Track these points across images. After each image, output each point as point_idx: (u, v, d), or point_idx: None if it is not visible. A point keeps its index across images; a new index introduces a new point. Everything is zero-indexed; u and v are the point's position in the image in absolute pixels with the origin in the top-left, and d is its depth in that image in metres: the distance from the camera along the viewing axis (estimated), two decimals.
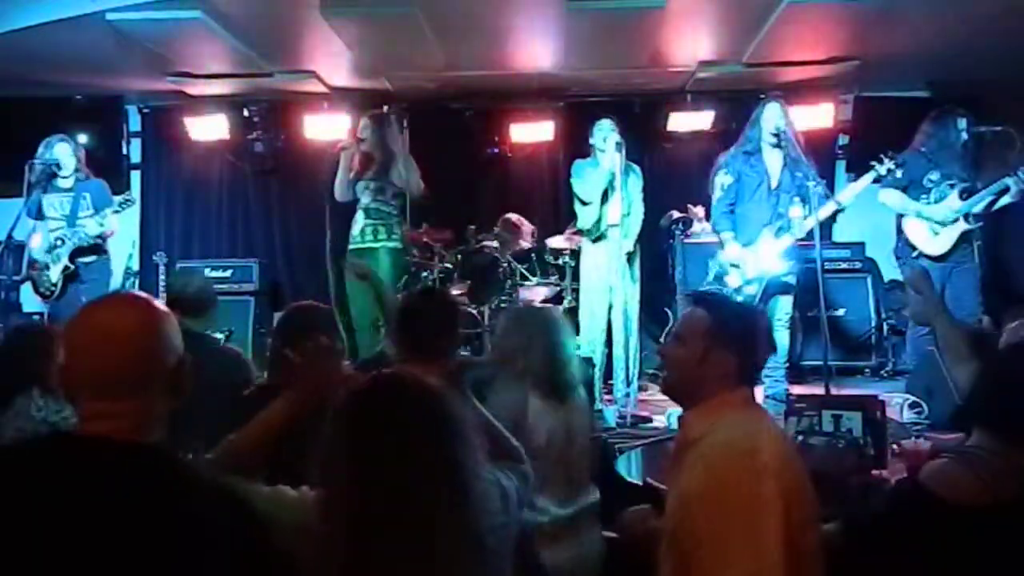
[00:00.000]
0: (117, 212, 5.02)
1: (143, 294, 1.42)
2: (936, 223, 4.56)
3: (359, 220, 4.88)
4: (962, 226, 4.51)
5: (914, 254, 4.64)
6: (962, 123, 4.59)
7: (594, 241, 4.79)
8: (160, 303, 1.37)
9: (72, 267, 4.88)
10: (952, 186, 4.54)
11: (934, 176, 4.58)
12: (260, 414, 1.72)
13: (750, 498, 1.62)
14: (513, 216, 6.25)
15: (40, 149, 4.94)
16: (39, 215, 4.97)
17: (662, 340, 4.65)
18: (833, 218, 4.76)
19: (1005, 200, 4.46)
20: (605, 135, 4.66)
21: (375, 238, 4.85)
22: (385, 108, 6.42)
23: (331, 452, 1.31)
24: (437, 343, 2.24)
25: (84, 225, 4.91)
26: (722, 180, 4.65)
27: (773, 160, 4.58)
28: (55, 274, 4.88)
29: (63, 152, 4.95)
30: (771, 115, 4.55)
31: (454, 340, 2.40)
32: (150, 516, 1.16)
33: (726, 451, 1.71)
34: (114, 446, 1.23)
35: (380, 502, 1.25)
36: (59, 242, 4.89)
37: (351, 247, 4.88)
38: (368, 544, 1.24)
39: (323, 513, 1.30)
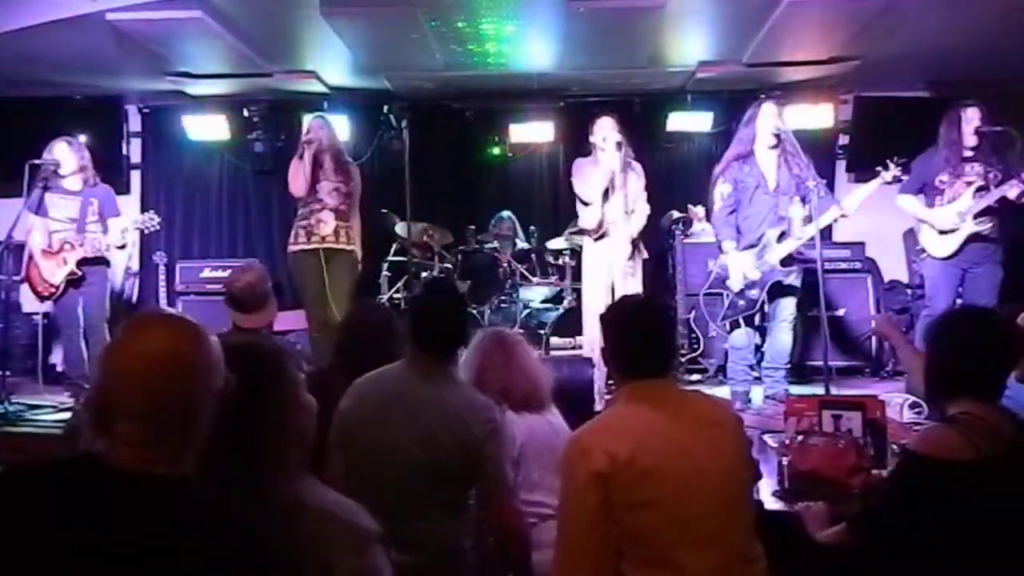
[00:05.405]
0: (141, 231, 5.08)
1: (183, 316, 1.35)
2: (941, 232, 4.52)
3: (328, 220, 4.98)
4: (970, 227, 4.45)
5: (923, 255, 4.65)
6: (973, 117, 4.49)
7: (596, 240, 4.79)
8: (199, 326, 1.32)
9: (79, 273, 4.84)
10: (969, 184, 4.48)
11: (944, 177, 4.54)
12: None
13: None
14: (507, 213, 6.28)
15: (44, 153, 4.90)
16: (42, 211, 4.90)
17: None
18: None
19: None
20: (605, 134, 4.65)
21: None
22: (385, 108, 6.44)
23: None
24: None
25: (95, 233, 4.88)
26: (720, 190, 4.65)
27: (768, 161, 4.57)
28: (59, 276, 4.83)
29: (62, 151, 4.88)
30: (768, 116, 4.54)
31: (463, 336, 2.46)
32: (153, 554, 1.16)
33: None
34: (135, 478, 1.21)
35: None
36: (68, 246, 4.84)
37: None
38: None
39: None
